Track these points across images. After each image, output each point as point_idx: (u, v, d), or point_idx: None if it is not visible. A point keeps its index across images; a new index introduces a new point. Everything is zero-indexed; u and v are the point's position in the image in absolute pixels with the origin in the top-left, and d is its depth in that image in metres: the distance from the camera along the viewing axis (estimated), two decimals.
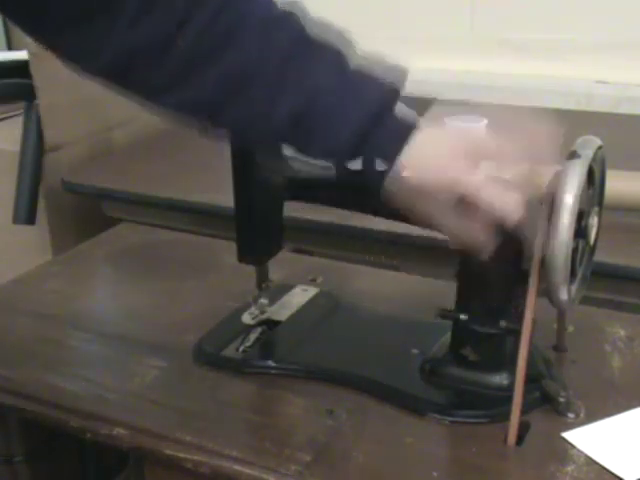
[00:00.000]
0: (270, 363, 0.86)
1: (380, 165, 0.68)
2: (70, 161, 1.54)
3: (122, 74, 0.68)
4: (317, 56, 0.69)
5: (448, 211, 0.67)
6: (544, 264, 0.72)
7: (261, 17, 0.68)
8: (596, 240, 0.78)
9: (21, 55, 1.51)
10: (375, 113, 0.67)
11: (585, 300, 0.80)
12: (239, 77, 0.67)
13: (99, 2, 0.65)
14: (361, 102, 0.67)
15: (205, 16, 0.66)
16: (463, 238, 0.68)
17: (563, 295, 0.73)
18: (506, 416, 0.74)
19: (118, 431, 0.77)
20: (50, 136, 1.49)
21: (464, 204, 0.66)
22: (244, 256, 0.89)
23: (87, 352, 0.91)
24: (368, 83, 0.69)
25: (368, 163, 0.69)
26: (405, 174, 0.66)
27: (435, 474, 0.70)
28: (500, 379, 0.79)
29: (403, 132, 0.67)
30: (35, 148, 1.47)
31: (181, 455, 0.74)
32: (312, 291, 0.99)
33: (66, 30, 0.66)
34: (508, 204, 0.65)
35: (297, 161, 0.79)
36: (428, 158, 0.67)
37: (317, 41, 0.70)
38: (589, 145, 0.73)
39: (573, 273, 0.73)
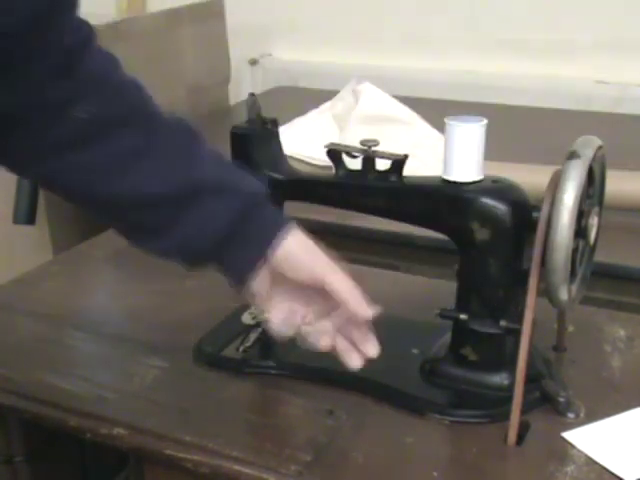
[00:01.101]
0: (270, 363, 0.86)
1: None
2: None
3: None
4: (198, 147, 0.74)
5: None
6: (544, 264, 0.72)
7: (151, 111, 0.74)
8: (596, 240, 0.78)
9: None
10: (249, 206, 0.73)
11: (585, 300, 0.80)
12: (126, 156, 0.71)
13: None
14: (240, 191, 0.73)
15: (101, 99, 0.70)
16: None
17: (563, 295, 0.73)
18: (506, 416, 0.74)
19: (118, 431, 0.77)
20: None
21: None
22: None
23: (87, 352, 0.91)
24: (247, 177, 0.75)
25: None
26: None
27: (435, 474, 0.70)
28: (500, 379, 0.79)
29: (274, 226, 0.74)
30: None
31: (181, 455, 0.74)
32: None
33: None
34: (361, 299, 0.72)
35: (297, 161, 0.79)
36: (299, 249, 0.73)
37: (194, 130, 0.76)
38: (589, 145, 0.73)
39: (573, 273, 0.74)
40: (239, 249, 0.73)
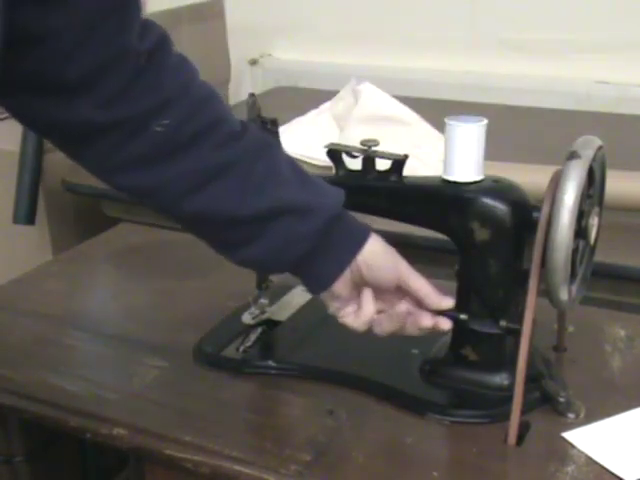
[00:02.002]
0: (270, 363, 0.86)
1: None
2: (70, 161, 1.53)
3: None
4: (278, 163, 0.75)
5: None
6: (544, 264, 0.72)
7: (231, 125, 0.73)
8: (596, 240, 0.78)
9: None
10: (334, 217, 0.74)
11: (585, 300, 0.80)
12: (203, 174, 0.71)
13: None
14: (321, 209, 0.74)
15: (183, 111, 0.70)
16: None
17: (563, 295, 0.73)
18: (506, 416, 0.74)
19: (118, 431, 0.77)
20: None
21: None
22: None
23: (87, 352, 0.91)
24: (325, 190, 0.76)
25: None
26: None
27: (435, 474, 0.70)
28: (500, 379, 0.79)
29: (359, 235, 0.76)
30: (35, 148, 1.47)
31: (181, 455, 0.74)
32: None
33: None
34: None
35: (297, 161, 0.79)
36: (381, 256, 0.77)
37: (278, 147, 0.77)
38: (589, 145, 0.73)
39: (573, 273, 0.73)
40: (319, 265, 0.75)
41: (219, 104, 0.73)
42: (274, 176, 0.73)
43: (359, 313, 0.77)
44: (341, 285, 0.76)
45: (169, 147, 0.70)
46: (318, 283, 0.77)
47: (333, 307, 0.78)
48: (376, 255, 0.76)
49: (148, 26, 0.69)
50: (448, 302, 0.76)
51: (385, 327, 0.77)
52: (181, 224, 0.77)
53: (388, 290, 0.77)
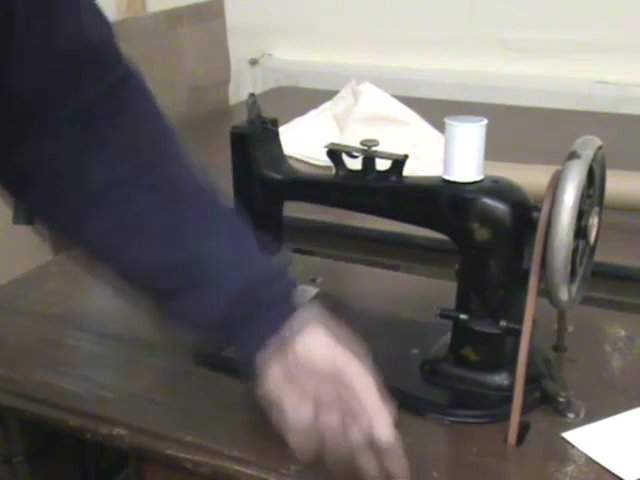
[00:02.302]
0: None
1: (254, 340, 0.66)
2: None
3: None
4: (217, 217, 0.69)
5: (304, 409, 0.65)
6: (544, 264, 0.72)
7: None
8: (596, 240, 0.78)
9: None
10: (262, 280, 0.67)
11: (585, 300, 0.80)
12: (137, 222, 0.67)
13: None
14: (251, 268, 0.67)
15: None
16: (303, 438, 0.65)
17: (563, 295, 0.73)
18: (506, 416, 0.74)
19: (118, 431, 0.77)
20: None
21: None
22: None
23: (87, 352, 0.91)
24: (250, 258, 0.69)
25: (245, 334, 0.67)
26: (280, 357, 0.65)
27: (435, 474, 0.70)
28: (500, 379, 0.79)
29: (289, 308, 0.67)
30: None
31: (181, 455, 0.74)
32: (312, 291, 0.99)
33: None
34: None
35: (297, 161, 0.79)
36: (316, 345, 0.65)
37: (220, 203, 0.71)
38: (589, 145, 0.73)
39: (573, 273, 0.73)
40: (242, 330, 0.67)
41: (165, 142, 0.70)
42: (204, 231, 0.68)
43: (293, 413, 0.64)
44: (273, 375, 0.65)
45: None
46: (247, 350, 0.67)
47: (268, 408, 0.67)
48: (310, 338, 0.65)
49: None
50: (387, 437, 0.62)
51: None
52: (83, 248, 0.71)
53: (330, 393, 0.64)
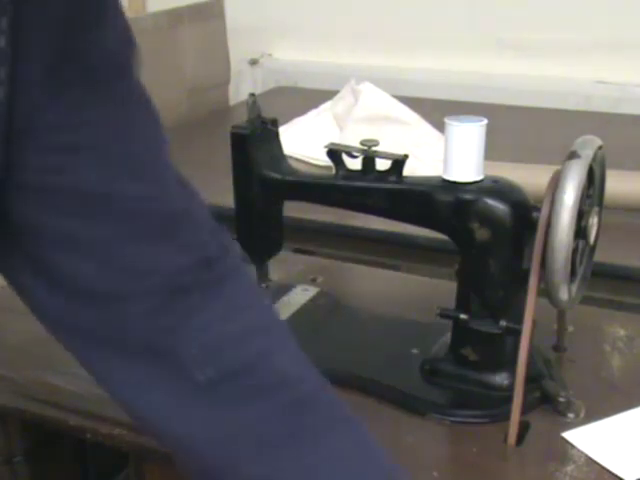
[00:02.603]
0: None
1: None
2: None
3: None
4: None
5: None
6: (544, 264, 0.72)
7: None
8: (596, 240, 0.78)
9: None
10: None
11: (585, 300, 0.80)
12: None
13: None
14: None
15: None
16: None
17: (563, 295, 0.73)
18: (506, 416, 0.74)
19: (118, 431, 0.77)
20: None
21: None
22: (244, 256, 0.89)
23: None
24: None
25: None
26: None
27: (435, 474, 0.70)
28: (500, 379, 0.79)
29: None
30: None
31: None
32: (312, 291, 0.99)
33: None
34: None
35: (297, 161, 0.79)
36: None
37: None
38: (589, 145, 0.73)
39: (573, 273, 0.74)
40: None
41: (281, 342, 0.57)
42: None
43: None
44: None
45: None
46: None
47: None
48: None
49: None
50: None
51: None
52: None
53: None
